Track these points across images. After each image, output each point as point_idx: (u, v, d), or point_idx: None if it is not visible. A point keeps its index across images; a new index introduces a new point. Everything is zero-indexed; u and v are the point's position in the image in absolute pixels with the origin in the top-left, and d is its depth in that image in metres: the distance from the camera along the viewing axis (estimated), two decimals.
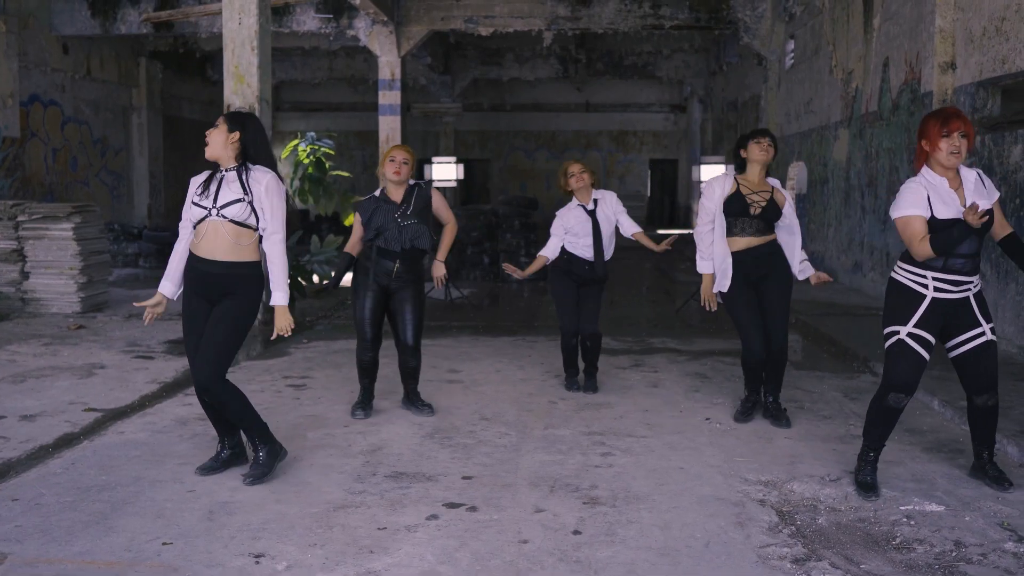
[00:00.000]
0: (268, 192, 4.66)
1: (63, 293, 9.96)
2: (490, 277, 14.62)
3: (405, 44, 16.57)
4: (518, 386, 7.06)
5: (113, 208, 19.15)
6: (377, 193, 6.05)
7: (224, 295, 4.68)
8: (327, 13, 16.35)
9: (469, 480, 4.81)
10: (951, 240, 4.39)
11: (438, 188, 16.88)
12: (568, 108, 29.65)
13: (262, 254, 4.81)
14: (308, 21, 16.54)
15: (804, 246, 6.13)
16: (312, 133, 12.83)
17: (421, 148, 27.66)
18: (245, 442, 5.03)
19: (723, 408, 6.35)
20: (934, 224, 4.43)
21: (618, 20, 16.28)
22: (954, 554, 3.88)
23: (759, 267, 5.76)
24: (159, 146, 20.60)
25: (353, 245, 6.09)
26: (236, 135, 4.69)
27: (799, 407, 6.37)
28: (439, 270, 6.22)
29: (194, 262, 4.73)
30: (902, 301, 4.54)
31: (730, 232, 5.77)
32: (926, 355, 4.50)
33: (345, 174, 15.69)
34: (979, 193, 4.53)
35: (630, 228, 6.72)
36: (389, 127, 16.79)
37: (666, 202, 30.53)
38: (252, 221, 4.66)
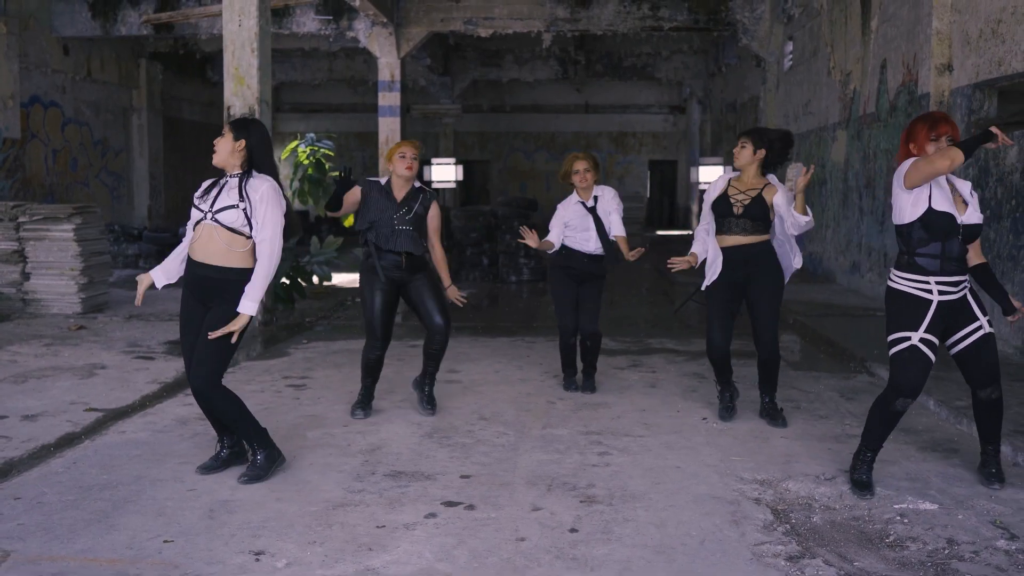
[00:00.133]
0: (263, 200, 4.66)
1: (64, 294, 10.00)
2: (489, 278, 14.67)
3: (405, 45, 16.62)
4: (516, 386, 7.10)
5: (113, 209, 19.20)
6: (383, 182, 6.05)
7: (216, 300, 4.71)
8: (327, 15, 16.40)
9: (467, 479, 4.85)
10: (973, 145, 4.35)
11: (437, 191, 16.85)
12: (567, 109, 29.71)
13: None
14: (308, 23, 16.59)
15: (802, 244, 6.14)
16: (312, 134, 12.87)
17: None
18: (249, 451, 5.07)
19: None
20: (929, 215, 4.47)
21: (617, 22, 16.33)
22: (947, 552, 3.92)
23: (746, 266, 5.81)
24: (159, 147, 20.65)
25: (350, 194, 5.94)
26: (242, 143, 4.74)
27: (795, 407, 6.41)
28: (453, 293, 6.20)
29: (190, 264, 4.78)
30: (908, 307, 4.56)
31: (719, 231, 5.86)
32: (933, 358, 4.56)
33: None
34: (972, 205, 4.59)
35: (616, 230, 6.66)
36: (389, 128, 16.84)
37: (665, 203, 30.60)
38: (245, 229, 4.67)
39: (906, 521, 4.26)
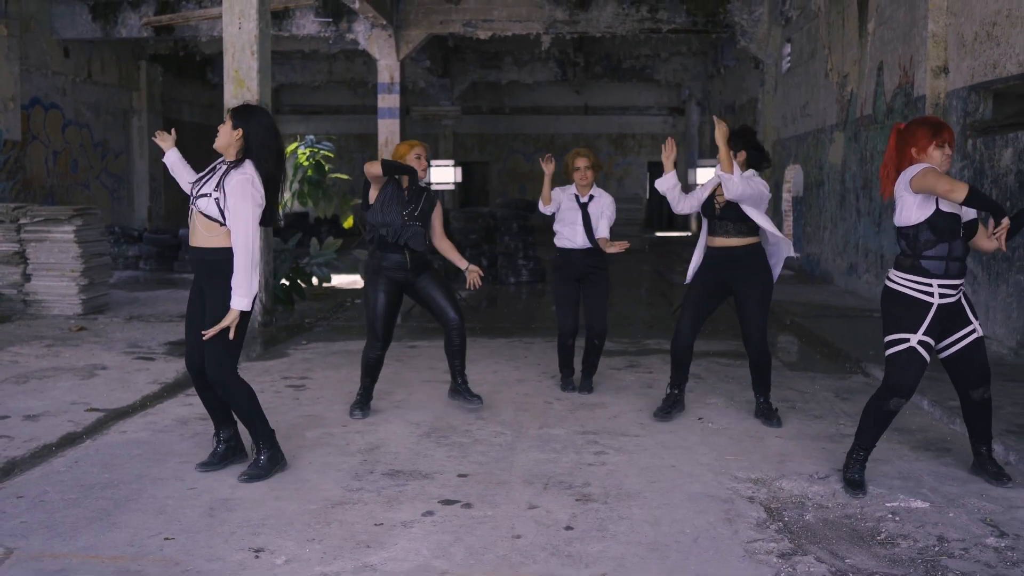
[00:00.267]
0: (232, 193, 4.67)
1: (64, 295, 10.05)
2: (488, 279, 14.72)
3: (404, 48, 16.67)
4: (514, 387, 7.15)
5: (113, 211, 19.26)
6: (396, 177, 6.09)
7: (206, 282, 4.78)
8: (326, 17, 16.45)
9: (464, 478, 4.90)
10: (988, 202, 4.36)
11: (437, 192, 16.92)
12: (567, 111, 29.77)
13: None
14: (308, 25, 16.65)
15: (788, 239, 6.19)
16: (311, 136, 12.96)
17: None
18: (250, 447, 5.13)
19: (716, 408, 6.45)
20: (937, 217, 4.51)
21: (616, 24, 16.39)
22: (937, 549, 3.97)
23: (730, 267, 5.89)
24: (159, 149, 20.64)
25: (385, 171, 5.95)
26: (239, 132, 4.78)
27: (790, 407, 6.46)
28: (474, 273, 6.24)
29: (188, 248, 4.93)
30: (908, 310, 4.60)
31: (708, 232, 5.99)
32: (928, 360, 4.62)
33: (344, 177, 15.83)
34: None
35: (601, 232, 6.69)
36: (388, 130, 16.89)
37: (664, 205, 30.60)
38: (219, 217, 4.72)
39: (897, 519, 4.32)
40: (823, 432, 5.83)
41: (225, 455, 5.02)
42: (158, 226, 19.50)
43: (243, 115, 4.84)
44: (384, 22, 15.78)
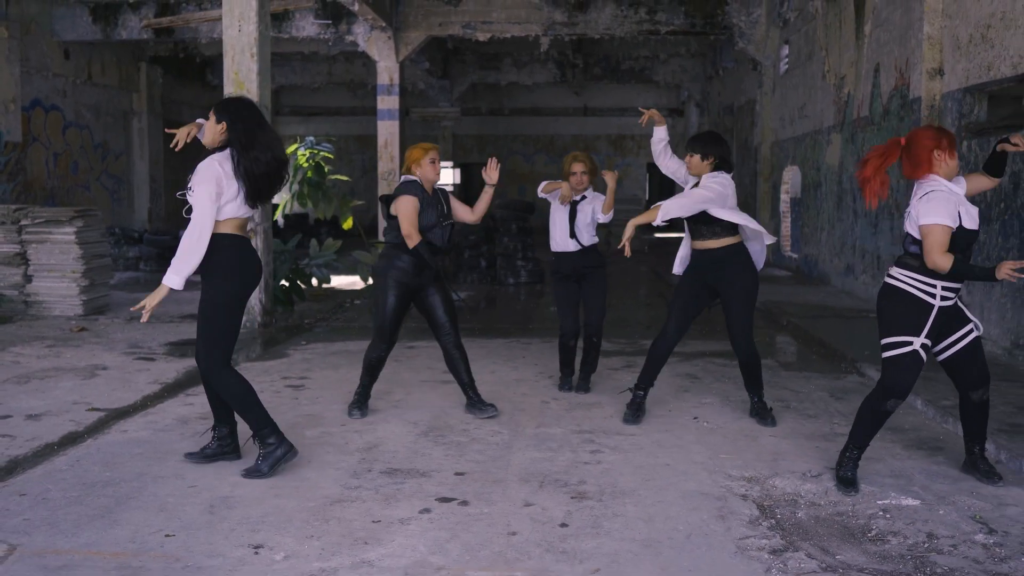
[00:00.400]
0: (194, 179, 4.72)
1: (65, 296, 10.11)
2: (487, 280, 14.77)
3: (403, 49, 16.73)
4: (512, 386, 7.21)
5: (114, 212, 19.32)
6: (415, 180, 6.12)
7: (202, 277, 4.84)
8: (326, 19, 16.52)
9: (461, 476, 4.96)
10: (972, 276, 4.57)
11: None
12: (566, 112, 29.83)
13: (235, 238, 4.84)
14: (307, 27, 16.72)
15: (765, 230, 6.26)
16: (311, 137, 12.97)
17: None
18: (244, 443, 5.19)
19: (711, 408, 6.51)
20: (960, 235, 4.54)
21: (614, 25, 16.45)
22: (926, 545, 4.03)
23: (713, 268, 5.95)
24: (159, 150, 20.77)
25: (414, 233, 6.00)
26: (223, 126, 4.82)
27: (785, 407, 6.52)
28: (492, 169, 6.24)
29: None
30: (910, 311, 4.62)
31: (691, 236, 6.06)
32: (925, 360, 4.67)
33: (344, 178, 15.85)
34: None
35: (603, 219, 6.85)
36: (388, 131, 16.95)
37: None
38: None
39: (888, 516, 4.38)
40: (817, 431, 5.89)
41: (216, 454, 5.10)
42: (158, 227, 19.60)
43: (224, 107, 4.88)
44: (383, 24, 15.85)
